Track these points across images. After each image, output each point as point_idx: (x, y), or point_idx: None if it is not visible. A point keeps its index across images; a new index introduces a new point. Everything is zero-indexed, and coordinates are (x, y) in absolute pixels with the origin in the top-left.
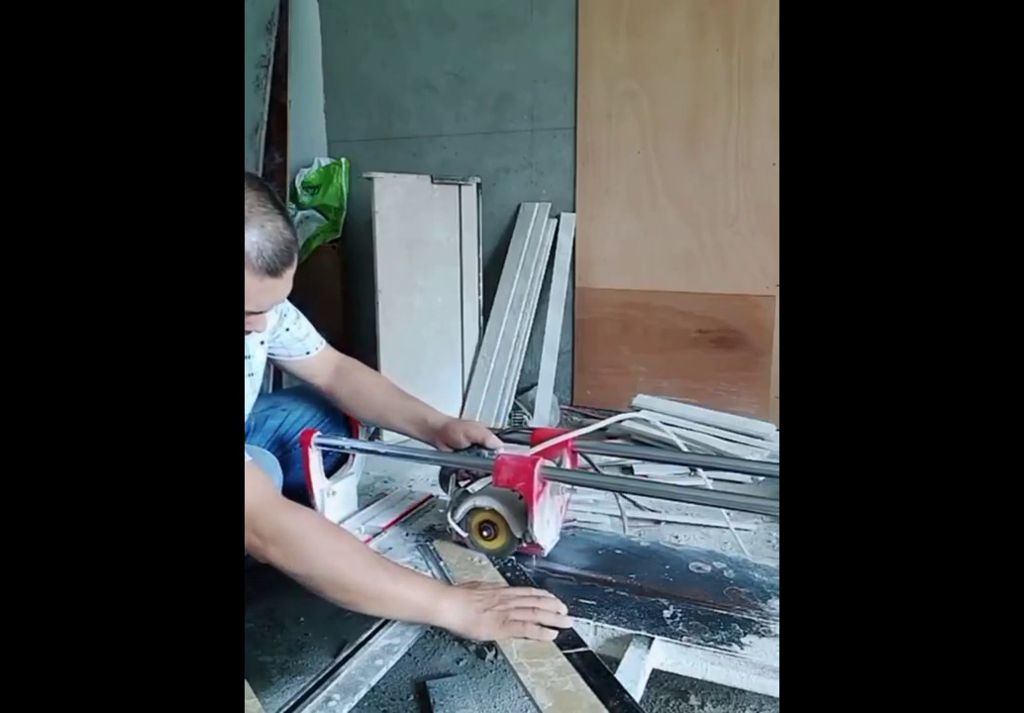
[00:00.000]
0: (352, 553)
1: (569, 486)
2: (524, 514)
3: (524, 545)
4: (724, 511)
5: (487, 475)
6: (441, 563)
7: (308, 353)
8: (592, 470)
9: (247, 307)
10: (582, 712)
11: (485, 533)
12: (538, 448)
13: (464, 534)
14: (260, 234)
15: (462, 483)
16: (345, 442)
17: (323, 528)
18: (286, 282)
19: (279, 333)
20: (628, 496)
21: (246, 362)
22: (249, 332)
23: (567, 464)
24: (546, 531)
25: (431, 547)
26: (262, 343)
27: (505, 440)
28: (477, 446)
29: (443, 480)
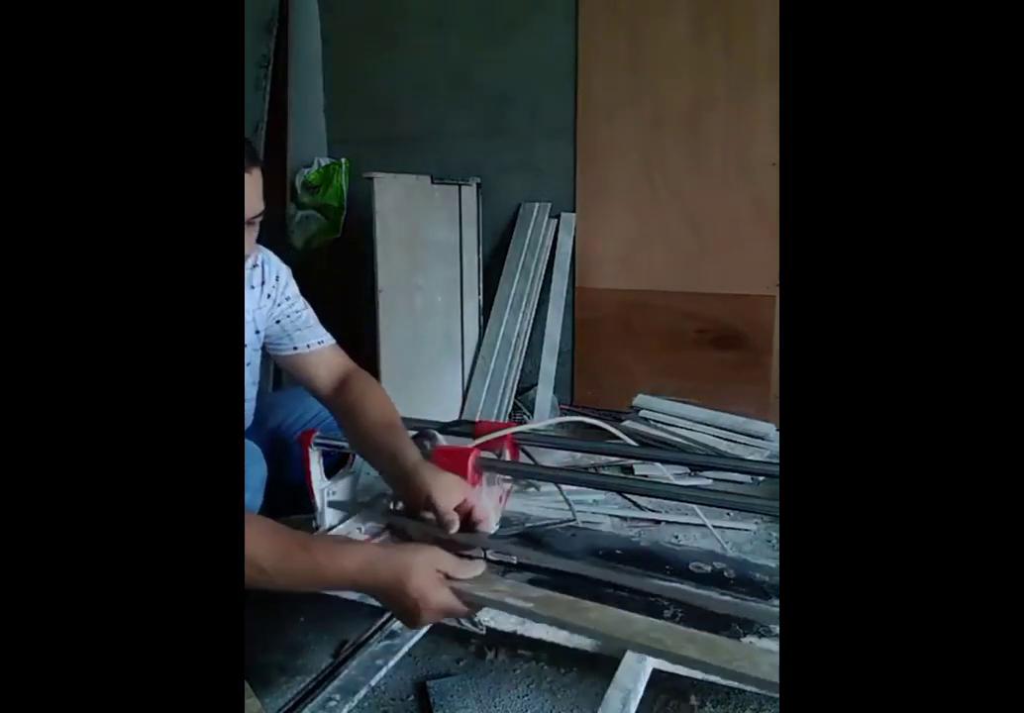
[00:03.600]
0: (262, 533)
1: (507, 478)
2: None
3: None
4: (697, 507)
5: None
6: None
7: (309, 347)
8: (533, 463)
9: None
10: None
11: None
12: (478, 441)
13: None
14: None
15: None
16: (346, 442)
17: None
18: (256, 183)
19: (279, 317)
20: (628, 496)
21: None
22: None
23: (507, 457)
24: (484, 519)
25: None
26: (257, 332)
27: (450, 433)
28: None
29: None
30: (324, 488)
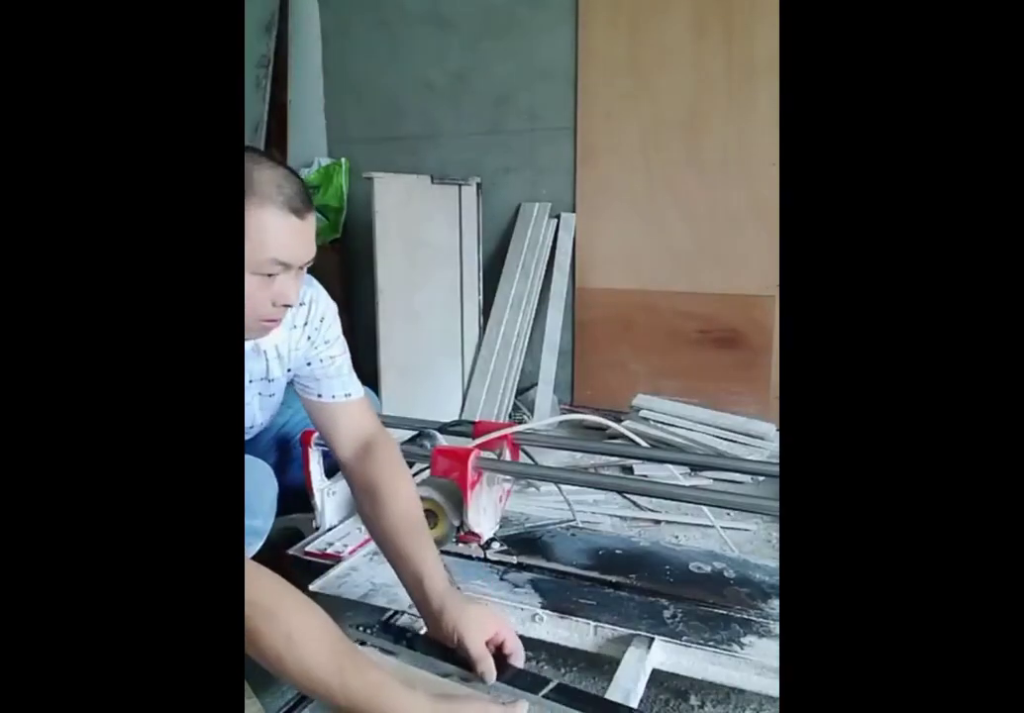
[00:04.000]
0: (318, 631)
1: (507, 478)
2: (462, 503)
3: (462, 534)
4: (706, 508)
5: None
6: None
7: (334, 398)
8: (532, 463)
9: (278, 255)
10: None
11: (429, 522)
12: (478, 441)
13: None
14: (274, 173)
15: None
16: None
17: (293, 597)
18: (310, 229)
19: (311, 359)
20: (628, 496)
21: (266, 384)
22: (286, 305)
23: (507, 457)
24: (482, 519)
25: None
26: (289, 370)
27: (449, 433)
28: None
29: None
30: (324, 488)
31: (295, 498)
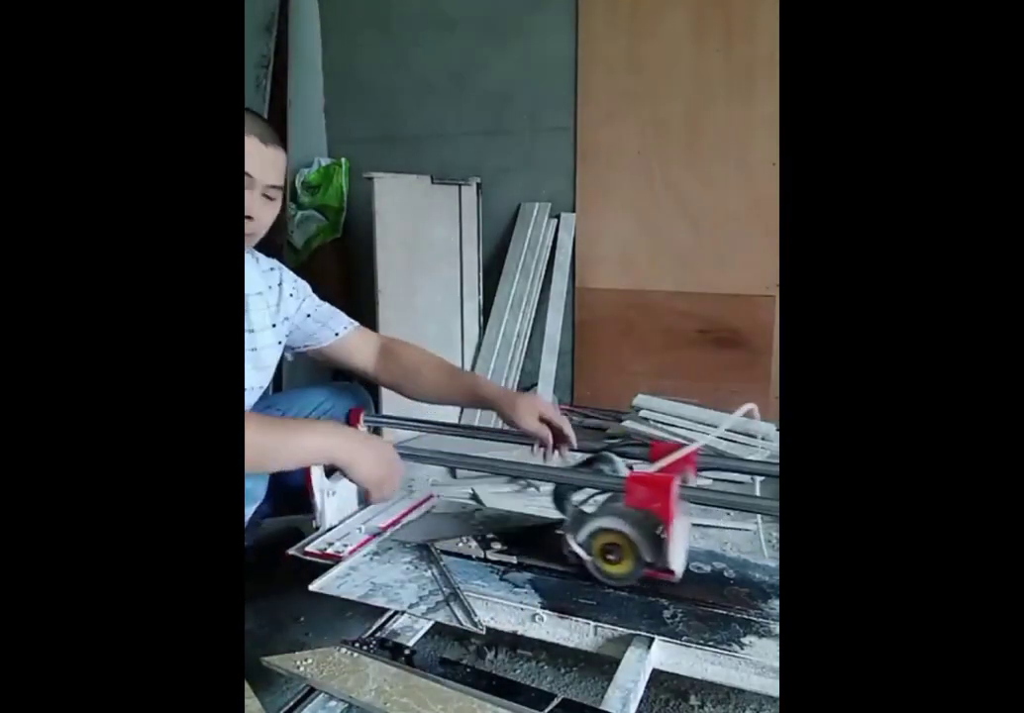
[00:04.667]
0: (253, 421)
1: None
2: (655, 536)
3: (652, 570)
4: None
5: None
6: (442, 564)
7: (337, 334)
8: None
9: (254, 172)
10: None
11: (610, 556)
12: (661, 464)
13: (587, 557)
14: (249, 115)
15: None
16: None
17: None
18: (275, 157)
19: (297, 321)
20: None
21: (253, 354)
22: (250, 218)
23: (692, 481)
24: (679, 555)
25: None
26: (279, 342)
27: (619, 454)
28: (544, 423)
29: (559, 499)
30: (324, 488)
31: (296, 499)
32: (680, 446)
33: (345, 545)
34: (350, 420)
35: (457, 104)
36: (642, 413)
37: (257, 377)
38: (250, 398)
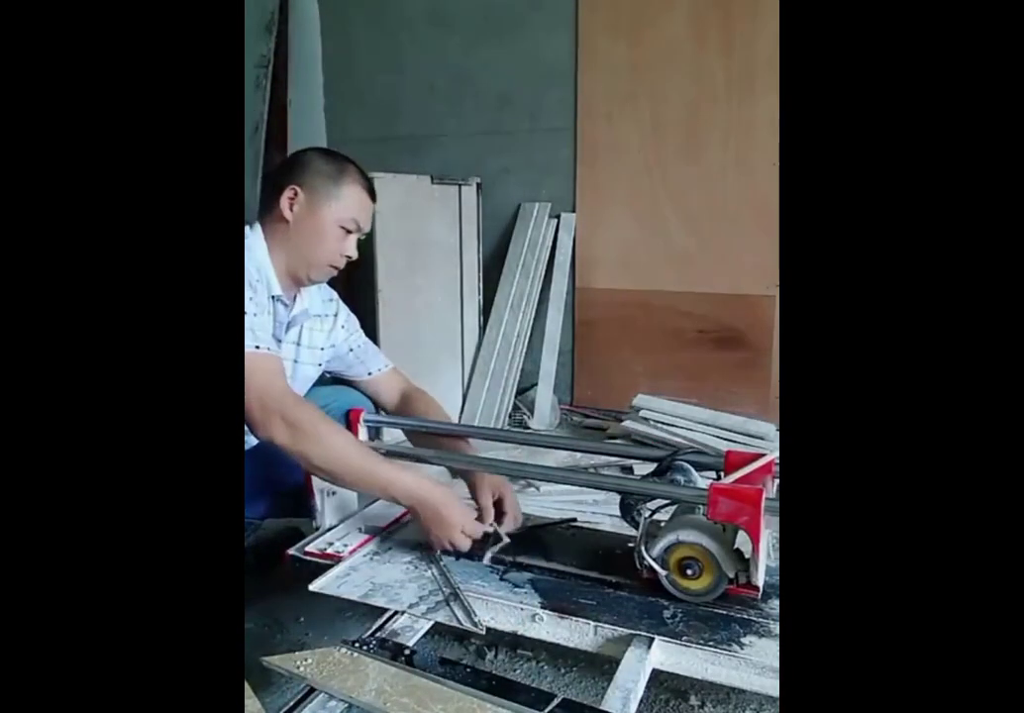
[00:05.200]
0: (351, 442)
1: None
2: (736, 550)
3: (735, 586)
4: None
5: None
6: (442, 564)
7: (370, 374)
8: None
9: (357, 217)
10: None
11: (688, 571)
12: (738, 474)
13: (663, 572)
14: (358, 170)
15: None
16: None
17: (328, 419)
18: (373, 210)
19: (340, 352)
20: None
21: (296, 366)
22: (348, 257)
23: (771, 491)
24: (762, 570)
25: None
26: (319, 365)
27: (685, 460)
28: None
29: (626, 509)
30: (324, 488)
31: (296, 500)
32: (758, 456)
33: (345, 545)
34: (349, 420)
35: (457, 104)
36: (642, 413)
37: (295, 388)
38: None
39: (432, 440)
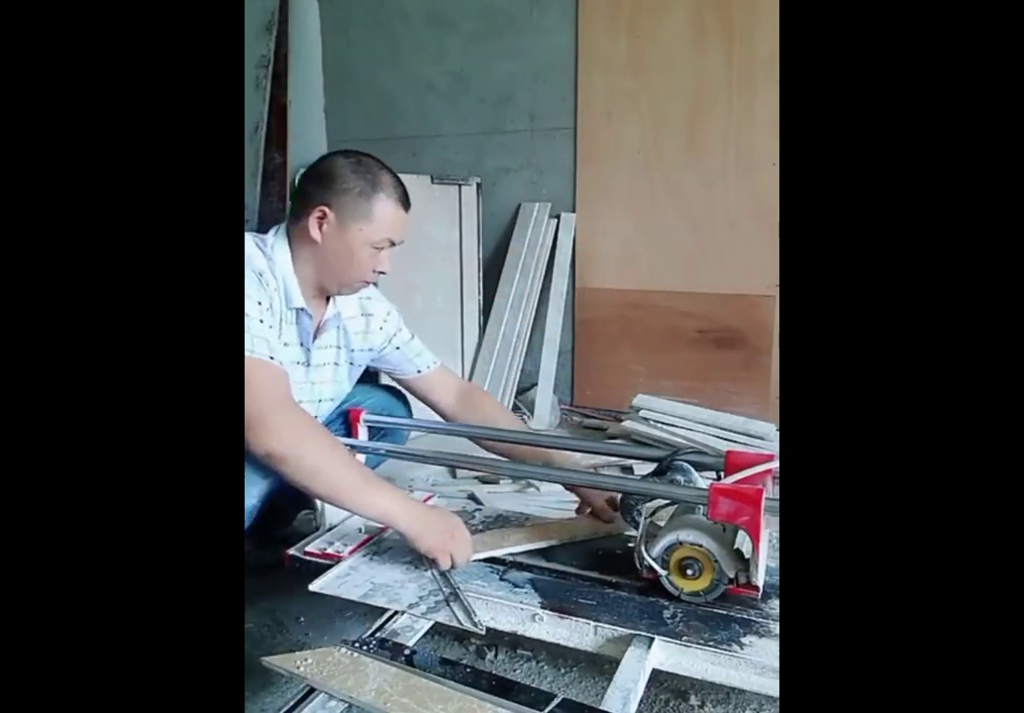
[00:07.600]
0: (342, 459)
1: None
2: (736, 551)
3: (735, 586)
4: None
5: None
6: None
7: (419, 372)
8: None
9: (390, 235)
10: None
11: (688, 571)
12: (739, 475)
13: (662, 572)
14: (391, 177)
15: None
16: (344, 442)
17: (316, 437)
18: (408, 218)
19: (386, 350)
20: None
21: (351, 353)
22: (382, 272)
23: (772, 492)
24: (763, 570)
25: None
26: (355, 365)
27: (685, 460)
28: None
29: (627, 510)
30: None
31: (296, 500)
32: (760, 456)
33: (345, 545)
34: (348, 419)
35: (457, 104)
36: (642, 413)
37: (332, 389)
38: (324, 409)
39: (504, 446)
